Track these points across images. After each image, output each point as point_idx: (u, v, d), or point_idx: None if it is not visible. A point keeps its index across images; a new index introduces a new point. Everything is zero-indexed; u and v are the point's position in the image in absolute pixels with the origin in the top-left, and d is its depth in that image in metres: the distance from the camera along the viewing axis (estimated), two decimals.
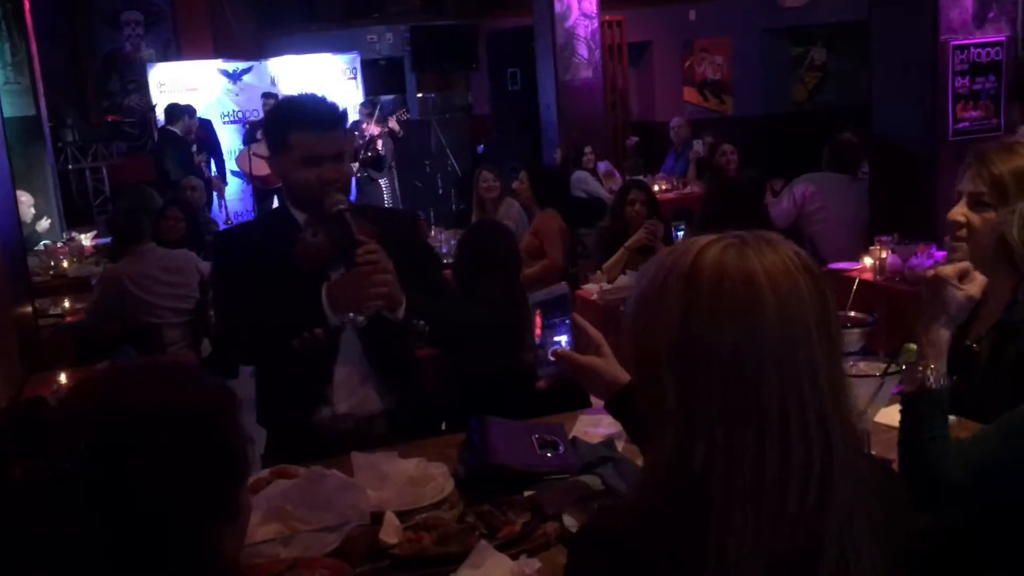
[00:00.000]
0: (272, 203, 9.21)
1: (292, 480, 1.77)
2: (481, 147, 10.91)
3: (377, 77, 12.08)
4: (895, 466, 1.57)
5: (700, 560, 0.93)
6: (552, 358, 1.53)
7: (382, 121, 9.39)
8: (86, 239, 6.83)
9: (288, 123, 2.21)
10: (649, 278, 1.03)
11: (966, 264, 1.68)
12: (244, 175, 9.12)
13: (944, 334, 1.60)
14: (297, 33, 11.81)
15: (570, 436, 2.04)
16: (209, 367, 5.04)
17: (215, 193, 8.73)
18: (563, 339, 1.54)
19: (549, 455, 1.89)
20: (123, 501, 0.94)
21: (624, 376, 1.53)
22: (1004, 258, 1.72)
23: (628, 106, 11.62)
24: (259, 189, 9.11)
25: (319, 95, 2.28)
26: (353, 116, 9.66)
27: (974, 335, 1.92)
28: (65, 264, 5.99)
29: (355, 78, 10.12)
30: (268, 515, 1.65)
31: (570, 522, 1.65)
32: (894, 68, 5.08)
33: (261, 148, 8.84)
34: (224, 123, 9.32)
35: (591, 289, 4.63)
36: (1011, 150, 1.96)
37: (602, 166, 8.31)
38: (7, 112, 4.91)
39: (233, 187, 9.53)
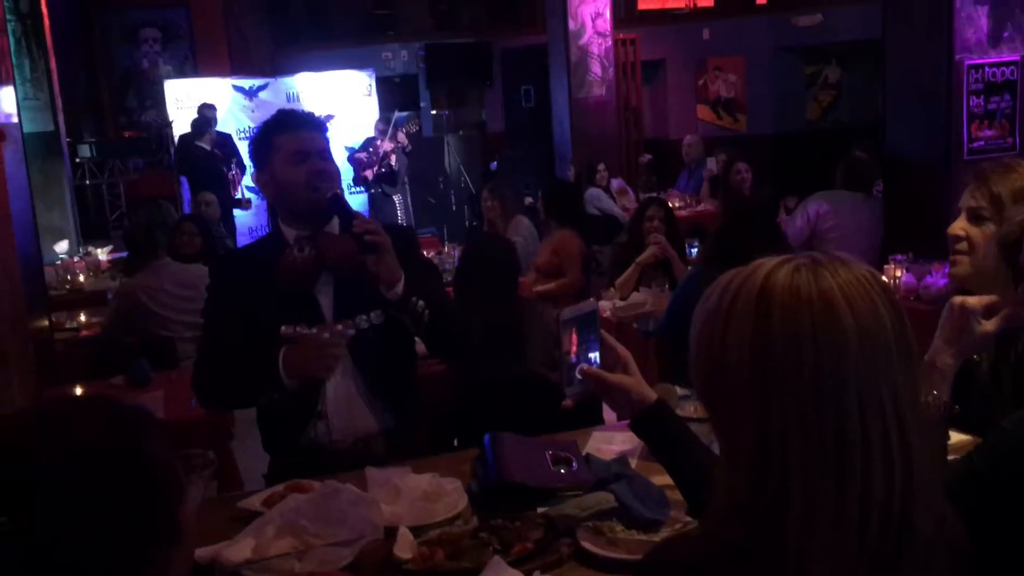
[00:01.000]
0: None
1: (306, 494, 1.77)
2: (494, 164, 10.95)
3: (391, 94, 12.16)
4: None
5: None
6: (579, 376, 1.51)
7: (395, 137, 9.44)
8: (102, 254, 6.88)
9: (271, 130, 2.27)
10: (715, 300, 0.99)
11: (993, 298, 1.66)
12: (259, 191, 9.16)
13: (952, 363, 1.58)
14: (313, 50, 11.91)
15: (583, 453, 2.04)
16: None
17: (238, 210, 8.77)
18: (593, 356, 1.51)
19: (563, 471, 1.89)
20: (46, 547, 0.91)
21: (651, 395, 1.51)
22: (1007, 265, 1.69)
23: (641, 123, 11.65)
24: (273, 205, 9.14)
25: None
26: (368, 133, 9.72)
27: None
28: (81, 278, 6.03)
29: (370, 95, 10.17)
30: (282, 529, 1.66)
31: (584, 539, 1.65)
32: (908, 87, 5.08)
33: None
34: (240, 139, 9.37)
35: (604, 306, 4.63)
36: (1010, 169, 1.97)
37: (615, 183, 8.33)
38: (26, 128, 4.97)
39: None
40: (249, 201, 8.86)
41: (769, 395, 0.93)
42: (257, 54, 11.76)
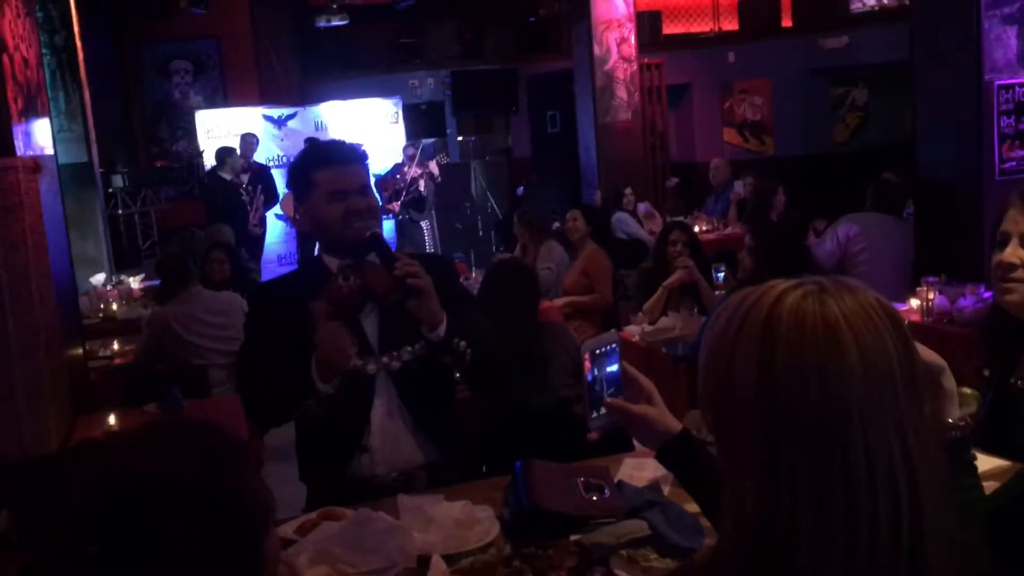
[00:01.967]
0: (314, 246, 9.30)
1: (339, 522, 1.78)
2: (521, 189, 10.99)
3: (418, 121, 12.27)
4: None
5: None
6: (604, 410, 1.50)
7: (423, 164, 9.51)
8: (135, 282, 6.96)
9: (310, 163, 2.25)
10: (723, 325, 0.99)
11: None
12: (288, 219, 9.25)
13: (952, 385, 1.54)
14: (341, 79, 12.05)
15: (616, 479, 2.02)
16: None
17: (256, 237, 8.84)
18: (615, 387, 1.51)
19: (595, 498, 1.88)
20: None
21: (676, 425, 1.50)
22: None
23: (667, 147, 11.65)
24: (302, 233, 9.23)
25: (336, 139, 2.34)
26: (396, 159, 9.80)
27: (1020, 372, 1.88)
28: (114, 307, 6.10)
29: (397, 122, 10.26)
30: (316, 558, 1.66)
31: (617, 568, 1.64)
32: (938, 108, 5.05)
33: None
34: (271, 167, 9.50)
35: (632, 331, 4.62)
36: None
37: (642, 207, 8.33)
38: (61, 159, 5.05)
39: (277, 231, 9.68)
40: (257, 226, 8.90)
41: (774, 424, 0.92)
42: (286, 84, 11.92)
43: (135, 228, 10.82)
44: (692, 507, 1.80)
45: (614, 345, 1.52)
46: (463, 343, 2.12)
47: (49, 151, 4.19)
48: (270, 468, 4.58)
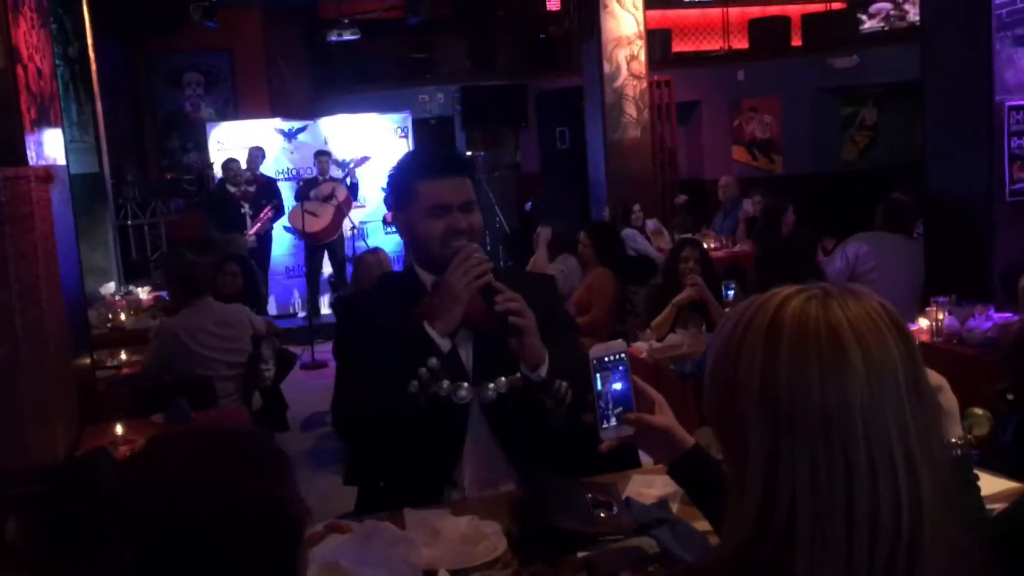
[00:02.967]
0: (322, 258, 9.36)
1: (346, 535, 1.77)
2: (529, 204, 11.00)
3: (428, 136, 12.30)
4: None
5: None
6: (614, 421, 1.48)
7: None
8: (143, 293, 6.98)
9: (413, 172, 2.12)
10: (728, 331, 1.00)
11: None
12: (296, 231, 9.28)
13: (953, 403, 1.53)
14: (351, 93, 12.11)
15: (624, 496, 2.01)
16: (259, 420, 5.10)
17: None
18: (625, 397, 1.50)
19: (603, 515, 1.87)
20: None
21: (689, 440, 1.49)
22: None
23: (676, 164, 11.67)
24: (310, 246, 9.27)
25: (444, 145, 2.25)
26: None
27: None
28: (123, 317, 6.11)
29: (406, 137, 10.30)
30: (322, 569, 1.65)
31: None
32: (948, 129, 5.05)
33: (313, 205, 9.01)
34: (279, 180, 9.53)
35: (640, 347, 4.61)
36: None
37: (651, 224, 8.33)
38: (72, 169, 5.08)
39: (285, 243, 9.70)
40: (253, 237, 8.91)
41: (777, 427, 0.93)
42: (296, 97, 11.98)
43: (144, 239, 10.87)
44: (701, 525, 1.79)
45: (622, 355, 1.50)
46: (564, 384, 1.99)
47: (61, 161, 4.22)
48: None
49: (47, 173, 3.61)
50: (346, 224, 9.27)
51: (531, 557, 1.74)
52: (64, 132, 4.53)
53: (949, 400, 1.47)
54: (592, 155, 9.97)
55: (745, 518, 0.95)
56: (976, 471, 1.56)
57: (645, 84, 9.58)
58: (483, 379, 2.04)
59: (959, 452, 1.46)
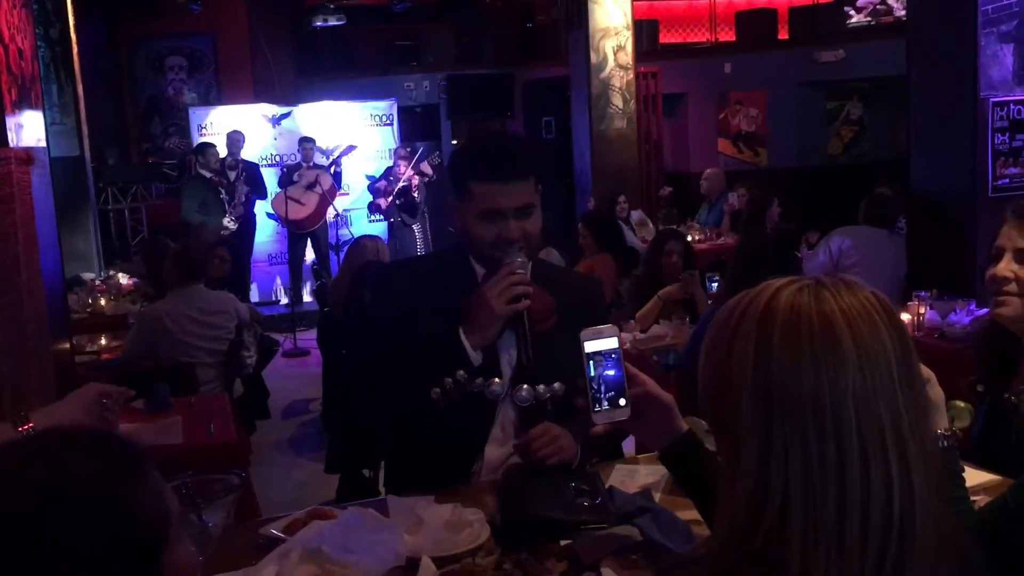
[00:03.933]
0: (305, 246, 9.31)
1: (329, 521, 1.76)
2: None
3: (413, 124, 12.25)
4: None
5: None
6: (607, 404, 1.46)
7: (415, 165, 9.51)
8: (124, 278, 6.92)
9: (468, 171, 2.00)
10: (721, 321, 1.01)
11: None
12: (279, 218, 9.23)
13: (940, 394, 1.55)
14: (335, 80, 12.04)
15: (607, 486, 2.01)
16: (240, 408, 5.07)
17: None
18: (618, 380, 1.48)
19: (586, 504, 1.86)
20: None
21: (683, 425, 1.49)
22: None
23: (662, 156, 11.68)
24: (293, 233, 9.23)
25: (507, 138, 2.10)
26: (388, 162, 9.80)
27: (1014, 388, 1.89)
28: (103, 302, 6.06)
29: (391, 124, 10.26)
30: (304, 557, 1.64)
31: (608, 573, 1.62)
32: (933, 124, 5.07)
33: (296, 191, 8.96)
34: (263, 167, 9.47)
35: (624, 338, 4.61)
36: None
37: (635, 215, 8.34)
38: (52, 152, 5.01)
39: (268, 230, 9.65)
40: (232, 222, 8.88)
41: (770, 415, 0.93)
42: (281, 83, 11.90)
43: (125, 224, 10.79)
44: (684, 514, 1.79)
45: (614, 339, 1.49)
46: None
47: (42, 143, 4.16)
48: (258, 469, 4.57)
49: (27, 155, 3.57)
50: (330, 212, 9.23)
51: (514, 545, 1.74)
52: (45, 115, 4.47)
53: (936, 393, 1.49)
54: (578, 145, 9.96)
55: (737, 508, 0.95)
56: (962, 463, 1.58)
57: (632, 75, 9.58)
58: (521, 380, 1.99)
59: (946, 443, 1.48)
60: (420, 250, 9.46)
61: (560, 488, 1.89)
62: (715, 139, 12.39)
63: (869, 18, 11.43)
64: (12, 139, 3.45)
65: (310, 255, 9.42)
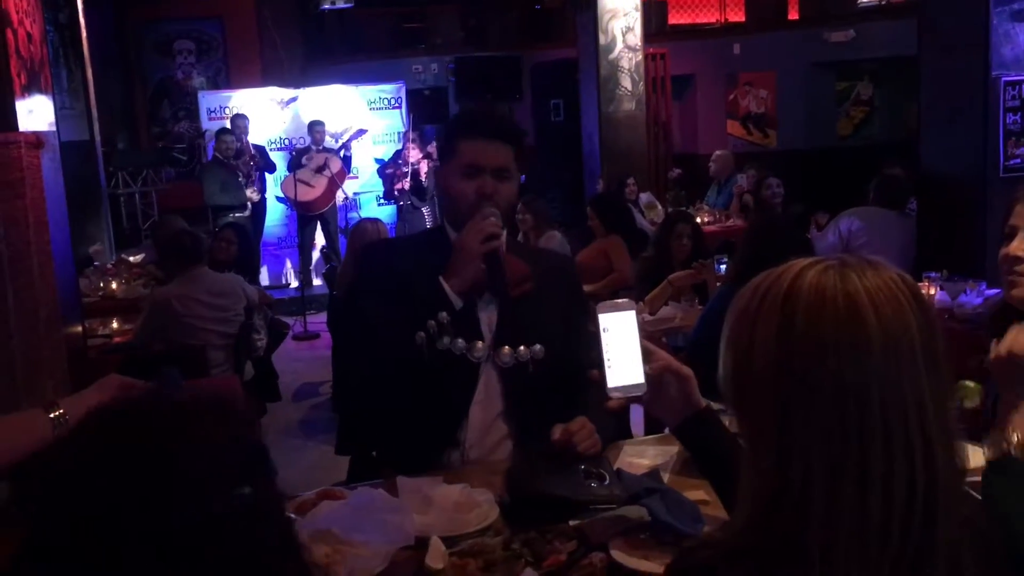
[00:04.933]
0: (315, 229, 9.33)
1: (339, 502, 1.77)
2: (523, 177, 10.96)
3: (421, 107, 12.22)
4: None
5: None
6: (623, 378, 1.44)
7: (424, 148, 9.50)
8: (134, 261, 6.95)
9: (457, 129, 2.15)
10: (745, 300, 1.00)
11: None
12: (288, 201, 9.24)
13: None
14: (344, 63, 12.01)
15: (615, 467, 2.02)
16: (251, 390, 5.10)
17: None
18: (635, 353, 1.45)
19: (594, 485, 1.87)
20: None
21: (700, 400, 1.48)
22: None
23: (671, 138, 11.64)
24: (303, 216, 9.24)
25: (494, 109, 2.26)
26: (397, 145, 9.79)
27: None
28: (114, 285, 6.09)
29: (400, 107, 10.24)
30: (314, 536, 1.66)
31: (617, 553, 1.64)
32: (943, 104, 5.04)
33: (305, 174, 8.97)
34: (271, 150, 9.48)
35: None
36: None
37: (644, 197, 8.32)
38: (62, 137, 5.02)
39: (277, 213, 9.67)
40: (254, 195, 8.94)
41: (792, 395, 0.93)
42: (289, 66, 11.88)
43: (135, 208, 10.82)
44: (692, 495, 1.80)
45: (631, 312, 1.47)
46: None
47: (52, 127, 4.18)
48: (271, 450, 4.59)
49: (37, 139, 3.58)
50: (339, 195, 9.23)
51: (523, 525, 1.75)
52: (54, 99, 4.48)
53: None
54: (586, 128, 9.92)
55: (758, 489, 0.94)
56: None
57: (641, 56, 9.52)
58: (502, 343, 2.07)
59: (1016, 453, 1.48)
60: None
61: (569, 469, 1.91)
62: (724, 120, 12.33)
63: None
64: (22, 123, 3.46)
65: (320, 239, 9.43)
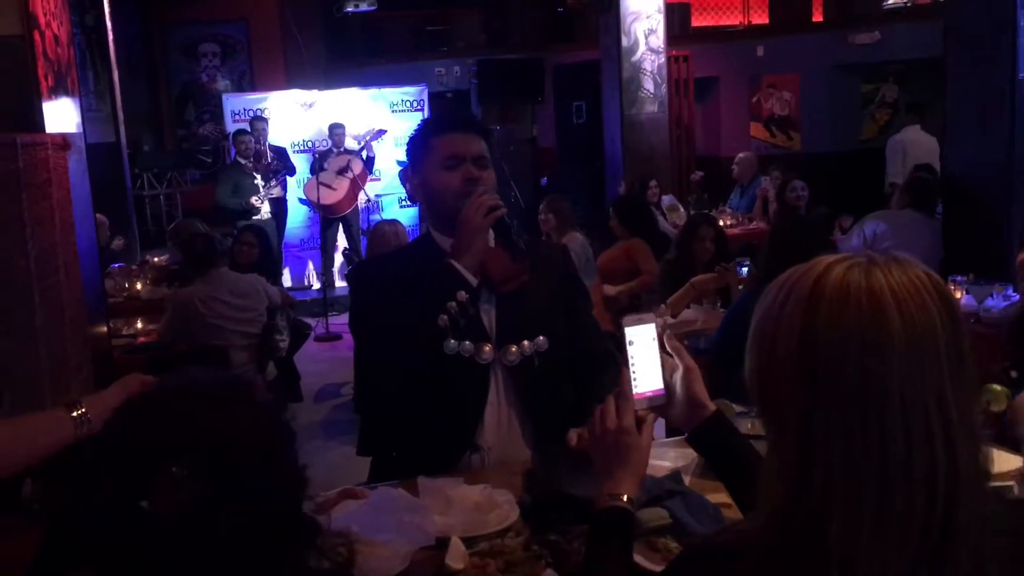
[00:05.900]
0: (337, 231, 9.37)
1: (360, 501, 1.78)
2: (545, 179, 10.96)
3: (444, 109, 12.25)
4: None
5: None
6: (645, 388, 1.46)
7: None
8: (159, 262, 7.00)
9: (428, 129, 2.17)
10: (771, 297, 1.00)
11: None
12: (311, 203, 9.28)
13: None
14: (366, 66, 12.06)
15: None
16: (273, 390, 5.12)
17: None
18: (656, 365, 1.48)
19: None
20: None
21: (704, 393, 1.48)
22: None
23: (693, 141, 11.59)
24: (325, 218, 9.28)
25: (460, 107, 2.32)
26: None
27: None
28: (139, 286, 6.14)
29: (422, 110, 10.27)
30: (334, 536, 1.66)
31: (638, 554, 1.63)
32: (970, 106, 4.99)
33: (327, 177, 9.01)
34: (294, 152, 9.52)
35: (657, 323, 4.59)
36: None
37: (666, 200, 8.29)
38: (88, 139, 5.08)
39: (300, 215, 9.71)
40: (259, 201, 8.96)
41: (814, 391, 0.93)
42: (312, 69, 11.95)
43: (160, 209, 10.91)
44: (714, 497, 1.79)
45: (652, 325, 1.49)
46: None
47: (78, 129, 4.22)
48: None
49: (64, 141, 3.61)
50: (361, 197, 9.26)
51: (543, 526, 1.75)
52: (80, 101, 4.53)
53: None
54: (609, 130, 9.91)
55: (781, 485, 0.95)
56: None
57: (663, 59, 9.50)
58: (506, 341, 2.08)
59: None
60: None
61: (589, 470, 1.90)
62: (747, 123, 12.26)
63: None
64: (49, 125, 3.50)
65: (342, 241, 9.47)
